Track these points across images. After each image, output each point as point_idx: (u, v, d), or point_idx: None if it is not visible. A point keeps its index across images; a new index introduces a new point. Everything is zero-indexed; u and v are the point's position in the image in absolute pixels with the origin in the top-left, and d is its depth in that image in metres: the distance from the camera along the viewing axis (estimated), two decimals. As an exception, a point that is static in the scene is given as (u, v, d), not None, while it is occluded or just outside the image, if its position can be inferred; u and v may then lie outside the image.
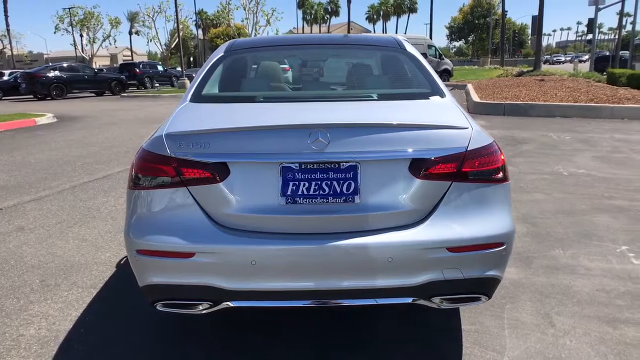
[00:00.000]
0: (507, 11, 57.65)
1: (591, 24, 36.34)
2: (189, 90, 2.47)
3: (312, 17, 79.27)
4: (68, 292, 2.75)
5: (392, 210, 1.82)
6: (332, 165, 1.81)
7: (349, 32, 54.14)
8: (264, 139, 1.82)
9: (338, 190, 1.81)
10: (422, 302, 1.88)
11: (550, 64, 59.33)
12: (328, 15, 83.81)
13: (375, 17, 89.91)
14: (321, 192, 1.81)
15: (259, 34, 43.79)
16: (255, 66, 2.96)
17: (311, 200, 1.81)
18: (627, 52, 30.21)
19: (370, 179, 1.81)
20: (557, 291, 2.66)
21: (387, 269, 1.80)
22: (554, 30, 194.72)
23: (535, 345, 2.17)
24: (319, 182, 1.81)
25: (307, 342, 2.25)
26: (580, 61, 39.41)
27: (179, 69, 32.10)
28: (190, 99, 2.36)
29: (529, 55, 68.84)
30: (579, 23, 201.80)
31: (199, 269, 1.81)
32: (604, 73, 21.48)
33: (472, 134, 1.90)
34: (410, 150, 1.81)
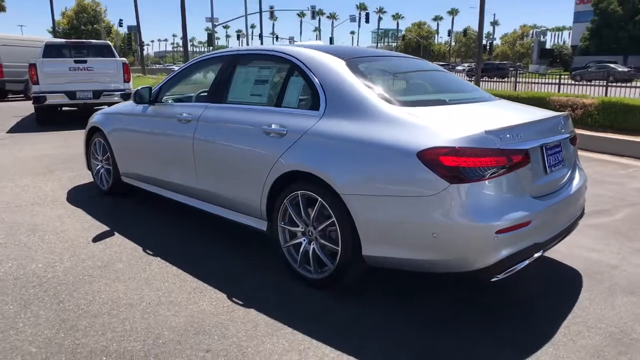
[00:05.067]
0: (122, 19, 57.84)
1: (211, 38, 41.67)
2: (361, 97, 2.68)
3: None
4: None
5: (572, 168, 2.94)
6: (556, 143, 2.75)
7: None
8: (537, 128, 2.58)
9: (559, 159, 2.77)
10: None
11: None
12: None
13: (-54, 11, 72.06)
14: (554, 162, 2.73)
15: None
16: (391, 74, 3.21)
17: (554, 168, 2.70)
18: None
19: (564, 150, 2.86)
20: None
21: (580, 206, 2.93)
22: (152, 41, 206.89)
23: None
24: (553, 155, 2.72)
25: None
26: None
27: None
28: (390, 102, 2.64)
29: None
30: (174, 35, 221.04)
31: (532, 232, 2.41)
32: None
33: None
34: (570, 130, 2.97)
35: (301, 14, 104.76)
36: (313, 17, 50.10)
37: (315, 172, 2.65)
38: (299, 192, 2.79)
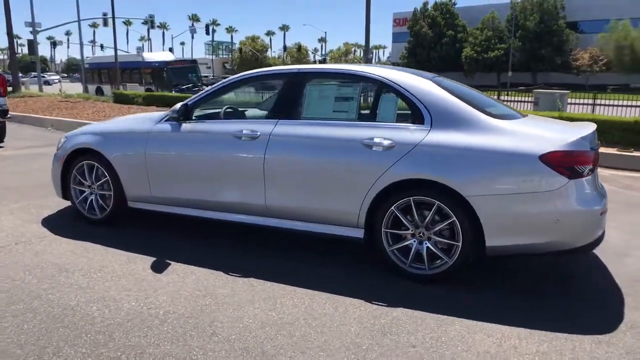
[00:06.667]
0: None
1: (32, 45, 36.96)
2: (466, 111, 3.14)
3: None
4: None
5: None
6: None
7: None
8: (593, 136, 3.28)
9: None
10: None
11: None
12: None
13: None
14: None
15: None
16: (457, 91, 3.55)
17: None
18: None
19: None
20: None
21: None
22: None
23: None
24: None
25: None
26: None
27: None
28: (489, 115, 3.16)
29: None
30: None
31: (605, 216, 3.14)
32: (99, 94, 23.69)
33: None
34: None
35: (127, 22, 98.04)
36: (152, 27, 47.62)
37: (439, 179, 3.00)
38: (411, 198, 3.10)
